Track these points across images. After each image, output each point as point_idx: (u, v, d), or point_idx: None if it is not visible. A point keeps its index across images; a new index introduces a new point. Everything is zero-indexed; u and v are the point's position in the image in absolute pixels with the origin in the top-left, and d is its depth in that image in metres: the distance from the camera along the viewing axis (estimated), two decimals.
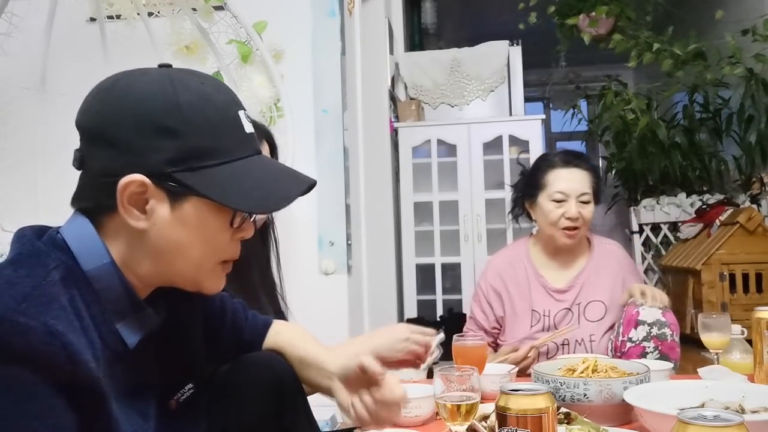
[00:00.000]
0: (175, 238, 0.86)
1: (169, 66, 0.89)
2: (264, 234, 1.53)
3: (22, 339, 0.72)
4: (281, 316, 1.63)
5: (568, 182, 1.99)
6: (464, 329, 2.13)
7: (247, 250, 1.37)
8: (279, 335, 1.19)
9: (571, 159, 2.03)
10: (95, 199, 0.86)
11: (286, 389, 1.08)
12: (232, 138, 0.87)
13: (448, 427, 1.28)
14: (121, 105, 0.83)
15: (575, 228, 1.98)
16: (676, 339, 1.88)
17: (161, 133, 0.82)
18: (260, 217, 1.42)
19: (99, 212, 0.87)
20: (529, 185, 2.08)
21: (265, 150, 1.49)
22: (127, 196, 0.83)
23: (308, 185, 0.90)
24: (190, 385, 0.98)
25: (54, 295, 0.78)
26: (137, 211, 0.84)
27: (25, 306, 0.74)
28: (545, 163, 2.06)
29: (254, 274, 1.42)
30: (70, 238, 0.85)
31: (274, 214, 1.53)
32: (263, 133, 1.50)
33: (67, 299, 0.79)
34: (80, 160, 0.86)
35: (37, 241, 0.84)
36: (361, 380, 1.09)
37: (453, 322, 3.99)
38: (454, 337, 1.57)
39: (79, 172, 0.89)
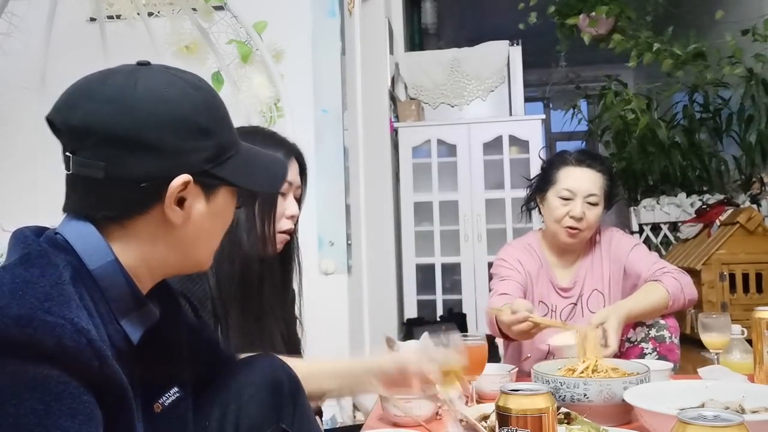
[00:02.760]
0: (207, 227, 0.92)
1: (147, 63, 0.91)
2: (285, 257, 1.51)
3: (52, 337, 0.73)
4: (293, 339, 1.61)
5: (578, 181, 1.96)
6: (496, 295, 1.94)
7: (263, 270, 1.37)
8: None
9: (585, 159, 2.01)
10: (125, 205, 0.86)
11: (284, 389, 1.08)
12: (234, 131, 0.95)
13: (447, 428, 1.29)
14: (156, 110, 0.84)
15: (577, 229, 1.96)
16: (676, 341, 1.88)
17: (199, 134, 0.87)
18: (281, 238, 1.42)
19: (122, 216, 0.86)
20: (542, 180, 2.07)
21: (295, 169, 1.44)
22: (174, 197, 0.86)
23: (285, 162, 1.05)
24: (176, 389, 0.98)
25: (71, 293, 0.79)
26: (178, 207, 0.88)
27: (49, 305, 0.75)
28: (560, 159, 2.04)
29: (266, 295, 1.41)
30: (72, 238, 0.85)
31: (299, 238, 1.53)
32: (294, 153, 1.46)
33: (78, 298, 0.80)
34: (104, 169, 0.83)
35: (41, 242, 0.84)
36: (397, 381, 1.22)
37: (453, 322, 3.99)
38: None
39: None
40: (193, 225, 0.90)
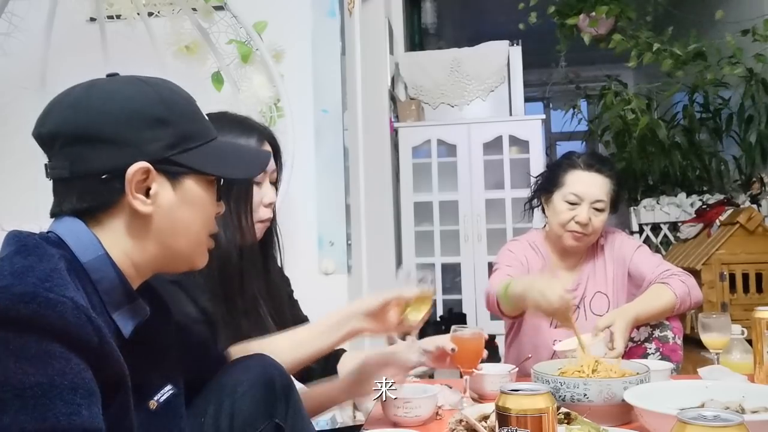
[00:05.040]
0: (178, 216, 0.94)
1: (116, 74, 0.97)
2: (266, 244, 1.50)
3: (55, 312, 0.76)
4: (283, 317, 1.61)
5: (585, 186, 1.94)
6: (500, 273, 1.94)
7: (244, 261, 1.36)
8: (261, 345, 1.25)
9: (594, 163, 1.98)
10: (92, 199, 0.90)
11: (277, 385, 1.10)
12: (203, 123, 0.98)
13: (448, 427, 1.29)
14: (109, 106, 0.90)
15: (583, 233, 1.95)
16: (679, 342, 1.87)
17: (155, 123, 0.91)
18: (261, 227, 1.41)
19: (95, 210, 0.90)
20: (548, 180, 2.05)
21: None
22: (134, 185, 0.89)
23: (268, 154, 1.08)
24: (170, 387, 1.00)
25: (68, 278, 0.82)
26: (142, 196, 0.90)
27: (50, 285, 0.79)
28: (568, 162, 2.02)
29: (249, 288, 1.40)
30: (63, 234, 0.89)
31: (278, 222, 1.52)
32: (266, 136, 1.45)
33: (74, 287, 0.83)
34: (69, 167, 0.89)
35: (33, 238, 0.87)
36: (383, 313, 1.30)
37: (453, 322, 3.99)
38: (453, 327, 1.56)
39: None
40: (165, 215, 0.92)
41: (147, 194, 0.90)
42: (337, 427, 2.30)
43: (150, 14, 2.51)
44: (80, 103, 0.90)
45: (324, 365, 1.55)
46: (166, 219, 0.93)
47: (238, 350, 1.21)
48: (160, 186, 0.91)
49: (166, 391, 0.99)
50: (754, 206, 3.44)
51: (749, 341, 1.64)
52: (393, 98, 4.42)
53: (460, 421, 1.28)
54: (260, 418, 1.06)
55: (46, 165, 0.91)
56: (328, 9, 2.88)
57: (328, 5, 2.88)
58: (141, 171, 0.89)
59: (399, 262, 4.32)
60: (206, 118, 0.99)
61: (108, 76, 0.96)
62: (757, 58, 3.41)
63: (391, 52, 4.36)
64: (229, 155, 1.00)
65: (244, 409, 1.06)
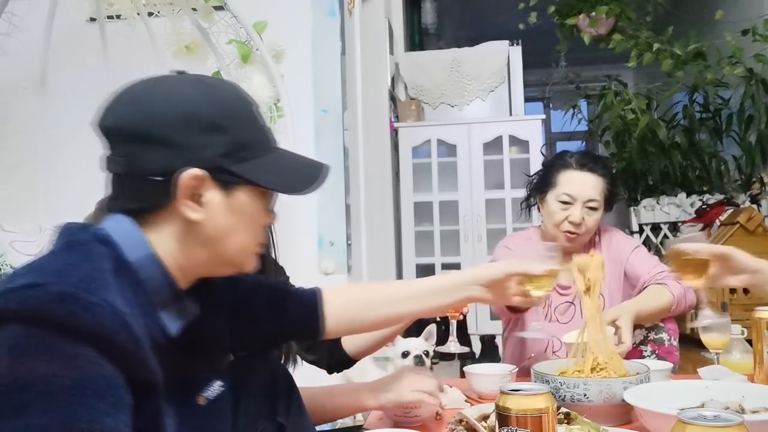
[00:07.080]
0: (228, 225, 0.92)
1: (183, 72, 0.95)
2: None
3: (92, 316, 0.75)
4: None
5: (578, 186, 1.94)
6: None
7: None
8: (350, 301, 1.20)
9: (587, 162, 1.98)
10: (143, 199, 0.89)
11: (279, 384, 1.11)
12: (263, 131, 0.96)
13: (448, 427, 1.29)
14: (167, 107, 0.88)
15: (576, 233, 1.95)
16: (675, 343, 1.87)
17: (212, 129, 0.89)
18: None
19: (146, 210, 0.90)
20: (542, 180, 2.05)
21: None
22: (185, 191, 0.88)
23: (326, 169, 1.01)
24: (219, 383, 0.99)
25: (111, 281, 0.81)
26: (193, 203, 0.89)
27: (90, 286, 0.78)
28: (560, 161, 2.01)
29: None
30: (113, 231, 0.88)
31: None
32: None
33: (118, 287, 0.82)
34: (125, 164, 0.88)
35: (84, 233, 0.87)
36: (502, 285, 1.24)
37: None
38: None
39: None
40: (214, 223, 0.91)
41: (198, 201, 0.89)
42: (337, 427, 2.30)
43: (150, 14, 2.52)
44: (140, 101, 0.89)
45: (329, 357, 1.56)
46: (215, 227, 0.91)
47: (343, 292, 1.19)
48: (212, 194, 0.89)
49: (216, 388, 0.98)
50: (754, 206, 3.44)
51: (749, 341, 1.64)
52: (393, 98, 4.42)
53: (460, 421, 1.28)
54: (262, 417, 1.07)
55: (104, 157, 0.90)
56: (328, 9, 2.88)
57: (328, 5, 2.88)
58: (193, 177, 0.87)
59: (399, 262, 4.32)
60: (267, 126, 0.97)
61: (177, 73, 0.94)
62: (757, 58, 3.41)
63: (391, 52, 4.36)
64: (285, 167, 0.96)
65: (247, 411, 1.06)
